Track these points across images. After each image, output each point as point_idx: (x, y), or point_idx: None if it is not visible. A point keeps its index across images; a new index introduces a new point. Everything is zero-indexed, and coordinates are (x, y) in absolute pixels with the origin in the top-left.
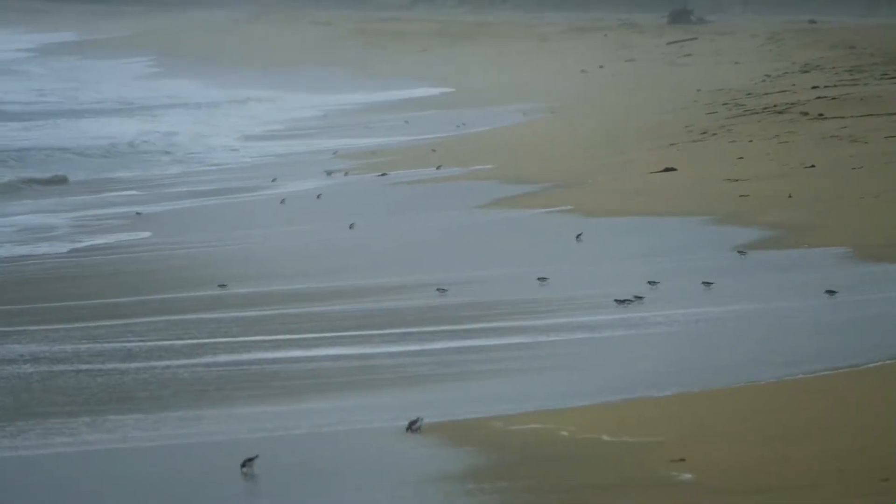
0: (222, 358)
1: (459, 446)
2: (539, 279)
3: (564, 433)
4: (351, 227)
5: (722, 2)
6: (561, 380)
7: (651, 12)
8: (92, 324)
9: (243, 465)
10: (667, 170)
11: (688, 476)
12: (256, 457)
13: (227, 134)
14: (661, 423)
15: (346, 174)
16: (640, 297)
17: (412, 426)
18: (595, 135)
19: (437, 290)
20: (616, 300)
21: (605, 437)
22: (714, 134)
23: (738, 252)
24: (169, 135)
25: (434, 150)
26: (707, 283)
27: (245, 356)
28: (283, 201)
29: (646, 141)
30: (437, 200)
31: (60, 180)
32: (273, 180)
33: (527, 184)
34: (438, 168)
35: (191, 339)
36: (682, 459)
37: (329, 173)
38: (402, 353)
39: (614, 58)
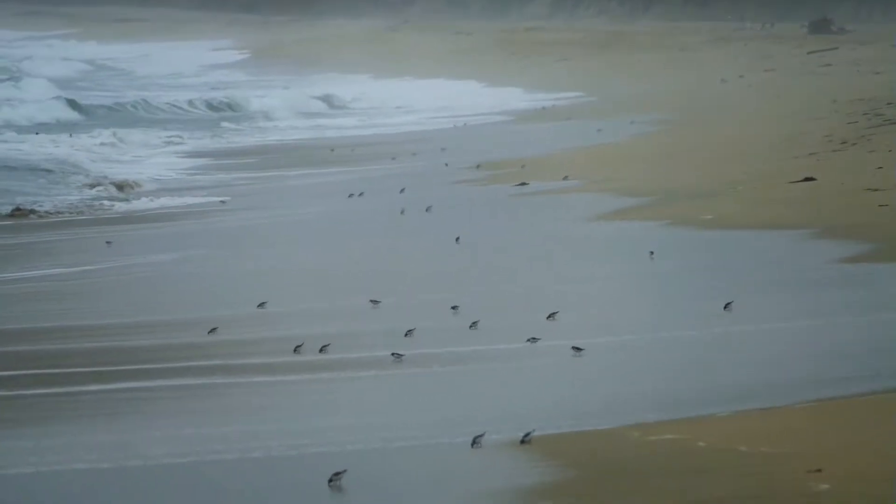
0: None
1: (594, 456)
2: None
3: (701, 444)
4: (457, 240)
5: (861, 11)
6: (692, 384)
7: (791, 22)
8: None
9: (331, 480)
10: (806, 179)
11: (825, 486)
12: (345, 471)
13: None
14: (798, 434)
15: (468, 184)
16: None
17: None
18: (735, 144)
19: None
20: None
21: (742, 448)
22: (854, 144)
23: None
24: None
25: (523, 166)
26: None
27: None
28: (402, 212)
29: (786, 150)
30: (553, 212)
31: None
32: (402, 191)
33: (658, 195)
34: (565, 178)
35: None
36: (819, 470)
37: (455, 184)
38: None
39: (754, 67)
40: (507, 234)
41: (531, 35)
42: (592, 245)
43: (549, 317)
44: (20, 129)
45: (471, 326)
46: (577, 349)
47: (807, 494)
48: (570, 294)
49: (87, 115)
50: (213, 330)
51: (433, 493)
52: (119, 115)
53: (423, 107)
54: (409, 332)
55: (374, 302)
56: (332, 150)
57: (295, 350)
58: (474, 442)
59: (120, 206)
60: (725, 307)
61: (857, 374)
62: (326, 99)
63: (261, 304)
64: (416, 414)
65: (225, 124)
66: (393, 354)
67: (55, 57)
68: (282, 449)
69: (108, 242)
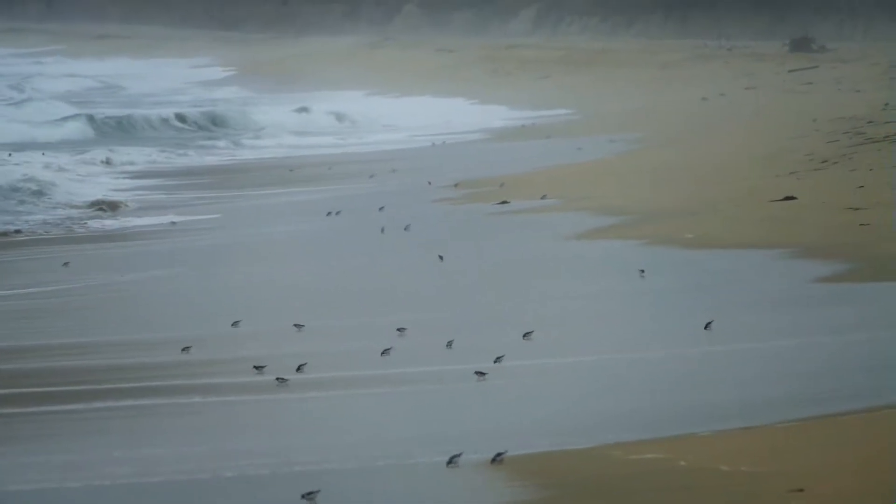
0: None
1: (574, 474)
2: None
3: (683, 463)
4: (441, 258)
5: (843, 30)
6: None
7: (772, 40)
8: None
9: (304, 498)
10: (787, 198)
11: None
12: (318, 491)
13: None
14: (779, 453)
15: (446, 203)
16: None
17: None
18: (716, 162)
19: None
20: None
21: (723, 468)
22: (835, 162)
23: None
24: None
25: (502, 185)
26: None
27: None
28: (382, 230)
29: (767, 168)
30: (532, 231)
31: None
32: (381, 209)
33: (639, 213)
34: (543, 198)
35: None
36: (801, 489)
37: (433, 202)
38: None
39: (735, 86)
40: (484, 254)
41: (513, 52)
42: (571, 264)
43: (525, 336)
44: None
45: (447, 345)
46: (481, 374)
47: None
48: (546, 313)
49: (99, 133)
50: (186, 349)
51: None
52: (126, 133)
53: (407, 124)
54: (385, 352)
55: (298, 326)
56: (291, 170)
57: (255, 368)
58: (450, 461)
59: (96, 225)
60: (706, 326)
61: (838, 394)
62: (314, 116)
63: (234, 323)
64: (391, 433)
65: (207, 142)
66: (277, 379)
67: (57, 74)
68: (255, 468)
69: (65, 264)
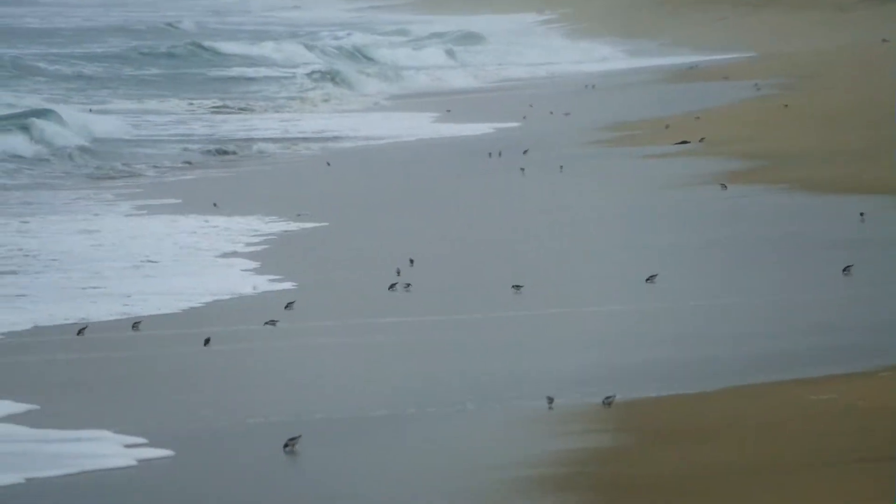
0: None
1: (753, 412)
2: None
3: (861, 403)
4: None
5: None
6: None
7: None
8: None
9: (286, 445)
10: None
11: None
12: (299, 436)
13: None
14: None
15: (603, 145)
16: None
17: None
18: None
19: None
20: None
21: None
22: None
23: None
24: None
25: (667, 126)
26: None
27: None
28: (522, 170)
29: None
30: (689, 174)
31: None
32: (525, 152)
33: (808, 157)
34: (701, 141)
35: None
36: None
37: (589, 144)
38: None
39: None
40: (625, 198)
41: None
42: (725, 208)
43: (648, 279)
44: None
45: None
46: None
47: None
48: (677, 257)
49: None
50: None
51: (514, 450)
52: None
53: (579, 66)
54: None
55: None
56: (449, 110)
57: (287, 307)
58: (606, 400)
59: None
60: (845, 270)
61: None
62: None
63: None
64: (501, 368)
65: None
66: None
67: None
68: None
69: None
